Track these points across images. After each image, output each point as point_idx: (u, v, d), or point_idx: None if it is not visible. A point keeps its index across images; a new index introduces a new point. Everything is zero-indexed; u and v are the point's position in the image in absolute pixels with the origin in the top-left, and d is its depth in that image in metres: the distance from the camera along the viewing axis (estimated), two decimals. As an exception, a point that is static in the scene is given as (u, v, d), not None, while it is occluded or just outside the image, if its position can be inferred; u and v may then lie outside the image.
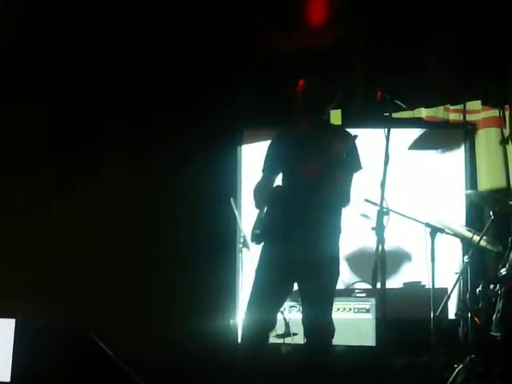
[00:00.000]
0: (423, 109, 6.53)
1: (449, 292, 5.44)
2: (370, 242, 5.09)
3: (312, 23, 6.48)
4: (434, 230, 5.26)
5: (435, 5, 6.24)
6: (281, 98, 5.58)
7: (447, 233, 5.38)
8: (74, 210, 6.23)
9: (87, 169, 6.38)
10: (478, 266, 5.67)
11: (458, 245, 5.87)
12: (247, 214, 4.38)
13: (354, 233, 5.89)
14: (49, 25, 6.28)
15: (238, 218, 5.81)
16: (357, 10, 6.45)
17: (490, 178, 6.36)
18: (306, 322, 4.28)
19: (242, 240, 5.74)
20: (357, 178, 4.32)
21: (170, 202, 6.42)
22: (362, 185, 4.52)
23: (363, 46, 6.57)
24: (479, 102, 6.47)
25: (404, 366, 5.57)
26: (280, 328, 5.31)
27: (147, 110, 6.44)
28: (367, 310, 5.57)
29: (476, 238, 5.33)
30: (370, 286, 5.70)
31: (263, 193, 4.38)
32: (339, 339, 4.65)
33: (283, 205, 4.27)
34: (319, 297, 4.23)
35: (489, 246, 5.46)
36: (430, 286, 5.17)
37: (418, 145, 6.52)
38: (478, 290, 5.22)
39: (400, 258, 6.35)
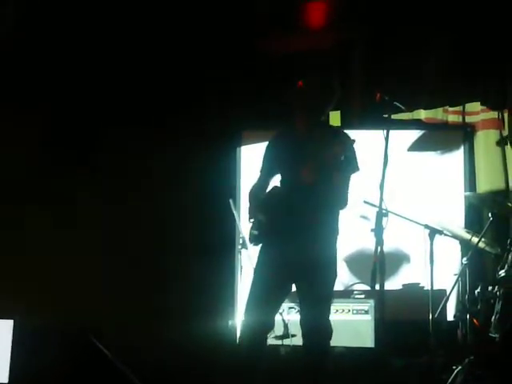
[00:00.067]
0: (422, 110, 6.54)
1: (448, 294, 5.44)
2: (368, 244, 5.11)
3: (311, 24, 6.47)
4: (433, 232, 5.25)
5: (435, 6, 6.23)
6: (280, 99, 5.57)
7: (446, 234, 5.38)
8: (73, 211, 6.23)
9: (87, 168, 6.38)
10: (477, 267, 5.66)
11: (456, 246, 5.86)
12: (246, 215, 4.38)
13: (353, 234, 5.90)
14: (49, 25, 6.27)
15: (236, 218, 5.81)
16: (356, 12, 6.44)
17: (488, 180, 6.37)
18: (304, 323, 4.29)
19: (240, 241, 5.74)
20: (356, 180, 4.32)
21: (168, 202, 6.41)
22: (361, 186, 4.52)
23: (362, 47, 6.57)
24: (478, 103, 6.47)
25: (403, 368, 5.56)
26: (279, 329, 5.30)
27: (147, 110, 6.44)
28: (366, 312, 5.56)
29: (475, 239, 5.33)
30: (368, 288, 5.71)
31: (260, 195, 4.39)
32: (338, 340, 4.65)
33: (281, 206, 4.27)
34: (317, 298, 4.24)
35: (487, 248, 5.45)
36: (429, 288, 5.17)
37: (417, 146, 6.52)
38: (476, 292, 5.22)
39: (399, 259, 6.35)
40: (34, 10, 6.21)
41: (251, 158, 6.21)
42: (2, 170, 6.22)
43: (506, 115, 6.36)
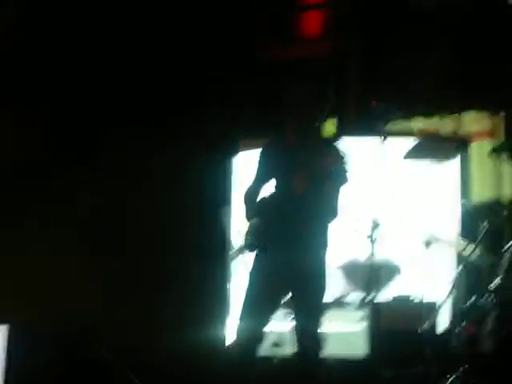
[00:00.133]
0: (417, 121, 6.53)
1: (442, 303, 5.44)
2: (362, 254, 5.11)
3: (307, 33, 6.48)
4: (428, 241, 5.25)
5: (431, 14, 6.24)
6: (274, 106, 5.56)
7: (441, 243, 5.38)
8: (72, 210, 6.22)
9: (87, 168, 6.36)
10: (472, 276, 5.66)
11: (451, 255, 5.86)
12: (240, 221, 4.38)
13: (346, 244, 5.89)
14: (49, 25, 6.27)
15: (230, 224, 5.80)
16: (353, 20, 6.45)
17: (483, 189, 6.36)
18: (296, 332, 4.29)
19: (234, 247, 5.73)
20: (349, 189, 4.31)
21: (163, 206, 6.40)
22: (355, 195, 4.52)
23: (359, 55, 6.57)
24: (473, 113, 6.47)
25: (395, 378, 5.55)
26: (272, 338, 5.29)
27: (147, 110, 6.43)
28: (358, 322, 5.55)
29: (469, 248, 5.33)
30: (361, 298, 5.70)
31: (254, 198, 4.38)
32: (330, 351, 4.64)
33: (274, 214, 4.27)
34: (309, 308, 4.25)
35: (482, 257, 5.46)
36: (423, 297, 5.17)
37: (412, 154, 6.51)
38: (471, 301, 5.22)
39: (393, 269, 6.33)
40: (34, 9, 6.21)
41: (245, 164, 6.20)
42: (2, 170, 6.21)
43: (501, 124, 6.36)
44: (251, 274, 4.37)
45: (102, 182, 6.29)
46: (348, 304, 5.80)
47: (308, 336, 4.23)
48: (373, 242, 4.81)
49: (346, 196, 4.29)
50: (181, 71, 6.42)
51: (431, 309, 5.29)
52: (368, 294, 4.81)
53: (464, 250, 5.38)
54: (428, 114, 6.50)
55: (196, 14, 6.37)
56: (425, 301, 5.39)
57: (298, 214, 4.21)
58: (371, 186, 5.02)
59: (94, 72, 6.34)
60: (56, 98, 6.32)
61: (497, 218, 5.36)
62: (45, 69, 6.29)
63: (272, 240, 4.26)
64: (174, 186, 6.34)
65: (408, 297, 5.89)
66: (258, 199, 4.39)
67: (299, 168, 4.18)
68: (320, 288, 4.28)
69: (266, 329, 4.35)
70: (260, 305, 4.26)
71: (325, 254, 4.31)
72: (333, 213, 4.28)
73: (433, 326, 5.27)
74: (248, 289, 4.34)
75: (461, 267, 5.32)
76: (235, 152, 6.56)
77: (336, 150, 4.22)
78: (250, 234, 4.37)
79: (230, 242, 6.00)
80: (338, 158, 4.16)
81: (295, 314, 4.30)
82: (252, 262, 4.37)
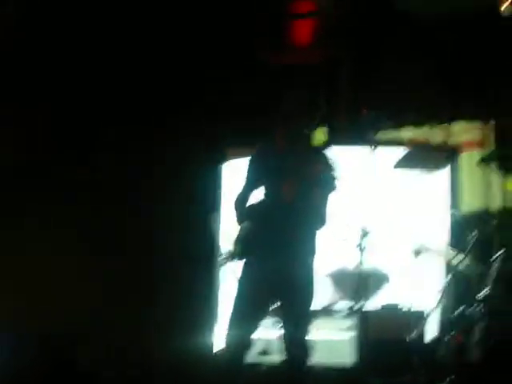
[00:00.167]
0: (407, 130, 6.54)
1: (430, 312, 5.44)
2: (351, 262, 5.12)
3: (299, 41, 6.49)
4: (417, 250, 5.26)
5: (422, 24, 6.27)
6: (264, 113, 5.57)
7: (430, 252, 5.38)
8: (69, 211, 6.20)
9: (87, 168, 6.35)
10: (460, 285, 5.66)
11: (440, 264, 5.86)
12: (229, 227, 4.38)
13: (334, 252, 5.89)
14: (49, 25, 6.27)
15: (219, 230, 5.80)
16: (344, 28, 6.46)
17: (473, 199, 6.37)
18: (284, 339, 4.28)
19: (223, 253, 5.72)
20: (339, 197, 4.31)
21: (152, 211, 6.38)
22: (344, 203, 4.52)
23: (349, 63, 6.58)
24: (463, 123, 6.49)
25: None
26: (260, 345, 5.28)
27: (147, 110, 6.42)
28: (347, 330, 5.55)
29: (458, 258, 5.34)
30: (349, 306, 5.70)
31: (244, 205, 4.38)
32: (318, 359, 4.63)
33: (263, 221, 4.27)
34: (297, 316, 4.24)
35: (471, 266, 5.47)
36: (411, 306, 5.17)
37: (402, 163, 6.52)
38: (459, 310, 5.22)
39: (382, 277, 6.33)
40: (34, 9, 6.20)
41: (233, 171, 6.19)
42: (2, 170, 6.19)
43: (491, 133, 6.38)
44: (240, 281, 4.36)
45: (102, 182, 6.28)
46: (336, 312, 5.79)
47: (296, 344, 4.22)
48: (362, 250, 4.83)
49: (335, 204, 4.29)
50: (181, 71, 6.41)
51: (419, 318, 5.30)
52: (356, 303, 4.81)
53: (453, 259, 5.39)
54: (418, 123, 6.51)
55: (196, 14, 6.38)
56: (413, 310, 5.39)
57: (286, 221, 4.21)
58: (361, 195, 5.05)
59: (93, 72, 6.34)
60: (56, 98, 6.32)
61: (486, 228, 5.37)
62: (45, 69, 6.29)
63: (260, 247, 4.26)
64: (168, 188, 6.34)
65: (396, 305, 5.89)
66: (247, 205, 4.39)
67: (288, 175, 4.18)
68: (308, 296, 4.27)
69: (254, 336, 4.34)
70: (248, 312, 4.25)
71: (313, 261, 4.31)
72: (321, 220, 4.27)
73: (421, 335, 5.27)
74: (236, 296, 4.33)
75: (450, 276, 5.32)
76: (224, 158, 6.56)
77: (325, 158, 4.23)
78: (238, 241, 4.37)
79: (218, 247, 5.98)
80: (327, 166, 4.16)
81: (283, 322, 4.29)
82: (241, 269, 4.37)
